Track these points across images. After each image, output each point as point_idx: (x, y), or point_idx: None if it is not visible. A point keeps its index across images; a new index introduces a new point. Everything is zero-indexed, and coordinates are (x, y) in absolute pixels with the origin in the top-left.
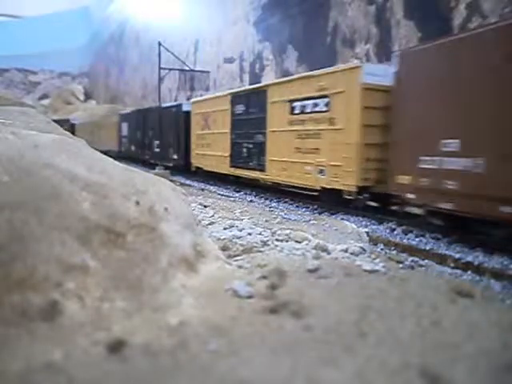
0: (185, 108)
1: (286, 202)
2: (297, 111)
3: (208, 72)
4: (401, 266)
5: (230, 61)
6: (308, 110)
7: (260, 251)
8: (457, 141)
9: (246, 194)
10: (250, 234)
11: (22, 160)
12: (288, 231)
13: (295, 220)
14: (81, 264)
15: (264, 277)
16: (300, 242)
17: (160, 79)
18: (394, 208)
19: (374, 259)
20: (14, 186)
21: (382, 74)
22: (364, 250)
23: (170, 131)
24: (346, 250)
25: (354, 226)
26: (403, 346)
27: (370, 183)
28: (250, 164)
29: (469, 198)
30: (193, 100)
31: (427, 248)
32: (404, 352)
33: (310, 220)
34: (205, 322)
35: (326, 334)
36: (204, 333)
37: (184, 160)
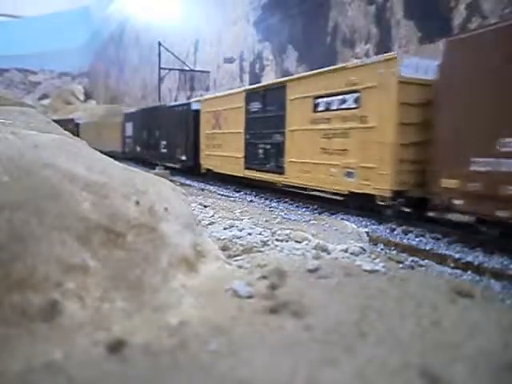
0: (194, 106)
1: (285, 202)
2: (321, 108)
3: (208, 72)
4: (401, 265)
5: (230, 61)
6: (334, 107)
7: (260, 251)
8: None
9: (245, 194)
10: (250, 234)
11: (21, 160)
12: (288, 231)
13: (295, 220)
14: (81, 264)
15: (264, 277)
16: (300, 242)
17: (160, 79)
18: (430, 215)
19: (374, 259)
20: (14, 185)
21: (421, 65)
22: (364, 249)
23: (178, 131)
24: (346, 250)
25: (354, 226)
26: (403, 346)
27: (405, 187)
28: (267, 166)
29: None
30: (203, 98)
31: (427, 248)
32: (404, 352)
33: (309, 220)
34: (205, 321)
35: (326, 334)
36: (204, 333)
37: (193, 161)
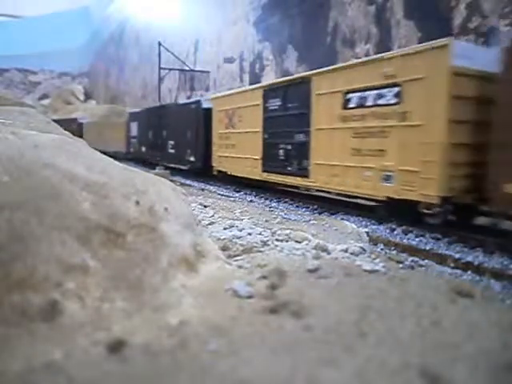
0: (204, 105)
1: (285, 202)
2: (353, 104)
3: (208, 72)
4: (401, 266)
5: (229, 61)
6: (369, 103)
7: (260, 251)
8: None
9: (245, 194)
10: (250, 233)
11: (21, 160)
12: (288, 231)
13: (295, 220)
14: (81, 264)
15: (264, 277)
16: (300, 242)
17: (160, 79)
18: (479, 223)
19: (374, 259)
20: (14, 185)
21: (477, 55)
22: (364, 250)
23: (187, 130)
24: (346, 250)
25: (354, 226)
26: (403, 345)
27: (453, 193)
28: (289, 169)
29: None
30: (214, 95)
31: (427, 248)
32: (404, 352)
33: (310, 220)
34: (205, 321)
35: (326, 333)
36: (204, 333)
37: (203, 163)
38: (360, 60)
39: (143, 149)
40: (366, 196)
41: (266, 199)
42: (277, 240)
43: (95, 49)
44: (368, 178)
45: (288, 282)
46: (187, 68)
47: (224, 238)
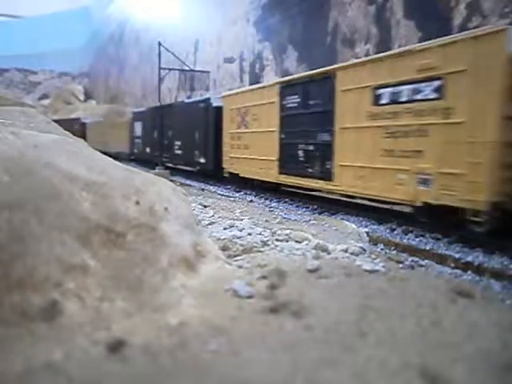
0: (215, 103)
1: (285, 202)
2: (384, 101)
3: (208, 72)
4: (401, 266)
5: (230, 61)
6: (404, 99)
7: (260, 251)
8: None
9: (245, 194)
10: (250, 234)
11: (22, 160)
12: (288, 231)
13: (295, 220)
14: (81, 264)
15: (264, 277)
16: (300, 242)
17: (160, 79)
18: None
19: (374, 259)
20: (14, 185)
21: None
22: (364, 250)
23: (196, 130)
24: (346, 250)
25: (354, 226)
26: (403, 345)
27: (503, 198)
28: (309, 171)
29: None
30: (225, 93)
31: (427, 248)
32: (404, 352)
33: (310, 220)
34: (205, 321)
35: (326, 333)
36: (204, 333)
37: (213, 164)
38: (393, 52)
39: (148, 149)
40: (399, 201)
41: (266, 199)
42: (277, 240)
43: (95, 49)
44: (402, 181)
45: (288, 282)
46: (187, 68)
47: (224, 238)
